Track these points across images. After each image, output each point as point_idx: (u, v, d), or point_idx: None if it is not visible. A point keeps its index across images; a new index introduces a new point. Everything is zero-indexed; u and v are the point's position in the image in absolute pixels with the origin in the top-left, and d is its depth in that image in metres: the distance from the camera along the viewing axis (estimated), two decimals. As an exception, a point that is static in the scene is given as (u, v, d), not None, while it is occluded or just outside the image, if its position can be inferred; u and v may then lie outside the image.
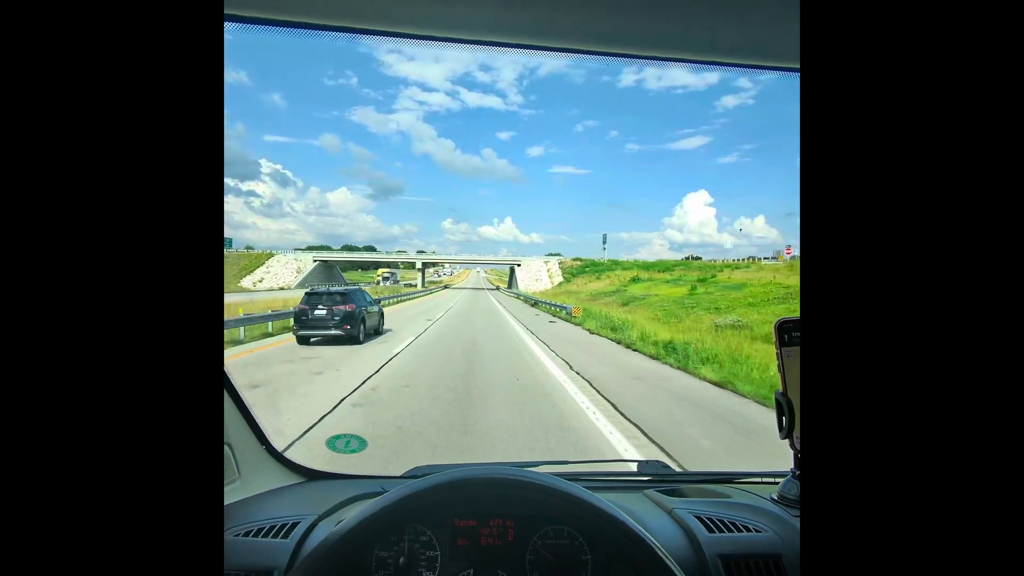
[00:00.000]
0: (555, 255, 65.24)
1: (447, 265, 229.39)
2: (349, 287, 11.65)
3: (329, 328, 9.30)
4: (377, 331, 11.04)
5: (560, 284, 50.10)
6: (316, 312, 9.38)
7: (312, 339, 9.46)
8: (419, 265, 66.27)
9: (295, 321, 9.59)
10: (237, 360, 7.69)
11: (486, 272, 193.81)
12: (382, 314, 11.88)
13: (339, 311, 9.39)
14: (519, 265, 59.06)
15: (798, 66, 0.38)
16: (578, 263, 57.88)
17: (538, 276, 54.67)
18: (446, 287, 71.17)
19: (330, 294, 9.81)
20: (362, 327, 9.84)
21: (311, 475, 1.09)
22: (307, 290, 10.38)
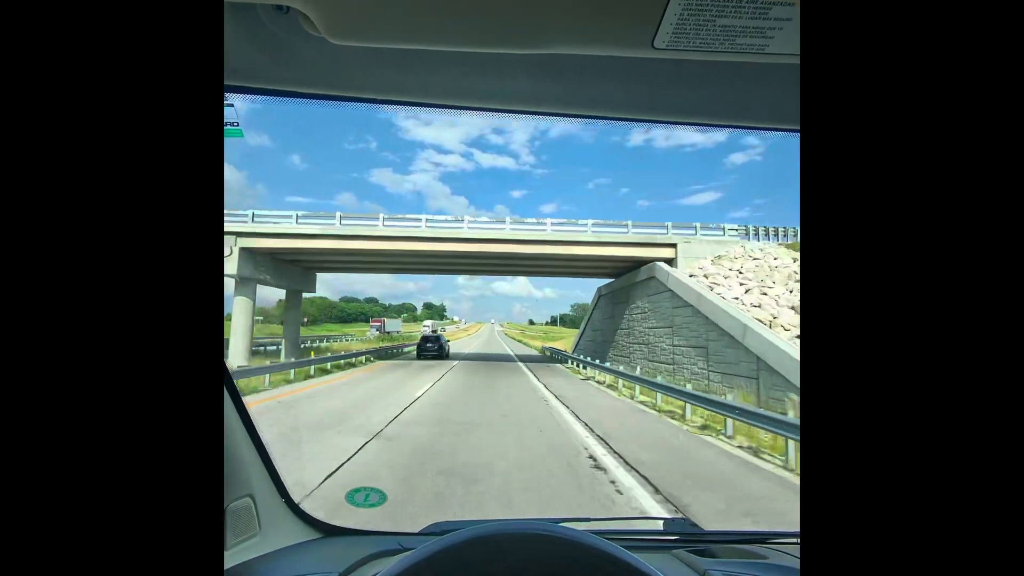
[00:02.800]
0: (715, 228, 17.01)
1: (441, 322, 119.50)
2: (439, 334, 25.09)
3: (431, 352, 22.43)
4: (448, 355, 24.24)
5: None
6: (426, 345, 22.64)
7: (422, 357, 22.44)
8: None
9: (417, 348, 22.83)
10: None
11: (501, 325, 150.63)
12: (448, 345, 25.39)
13: (435, 345, 22.59)
14: (671, 263, 15.10)
15: (798, 127, 0.41)
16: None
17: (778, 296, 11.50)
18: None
19: (431, 337, 23.20)
20: (445, 351, 23.16)
21: (328, 530, 1.10)
22: (422, 335, 24.19)
